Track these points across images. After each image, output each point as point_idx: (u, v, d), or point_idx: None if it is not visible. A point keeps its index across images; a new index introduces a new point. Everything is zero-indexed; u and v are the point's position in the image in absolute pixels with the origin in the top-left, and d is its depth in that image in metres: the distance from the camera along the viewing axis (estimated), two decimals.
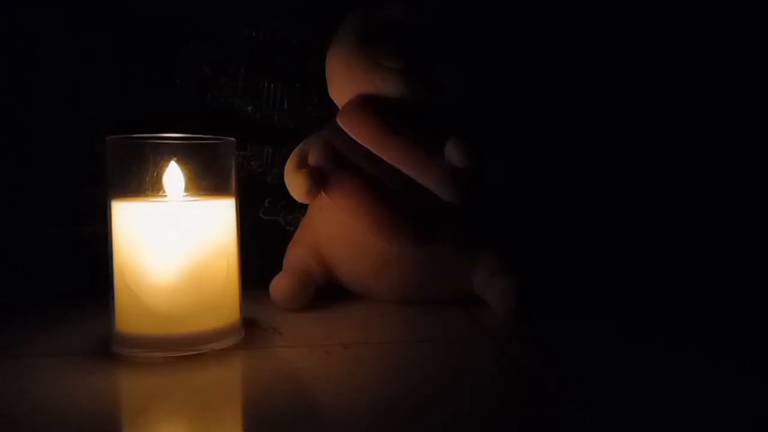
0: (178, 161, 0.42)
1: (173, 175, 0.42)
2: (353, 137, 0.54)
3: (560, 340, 0.46)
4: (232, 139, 0.44)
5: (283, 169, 0.56)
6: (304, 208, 0.62)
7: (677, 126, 0.72)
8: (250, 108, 0.67)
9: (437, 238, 0.52)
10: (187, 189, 0.42)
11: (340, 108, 0.57)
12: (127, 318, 0.41)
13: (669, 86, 0.71)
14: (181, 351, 0.40)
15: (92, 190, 0.64)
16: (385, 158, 0.53)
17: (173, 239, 0.40)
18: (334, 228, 0.55)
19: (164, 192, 0.42)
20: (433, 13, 0.57)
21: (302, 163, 0.55)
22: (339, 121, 0.55)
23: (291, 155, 0.57)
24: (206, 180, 0.43)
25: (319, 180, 0.54)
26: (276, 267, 0.56)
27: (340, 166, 0.54)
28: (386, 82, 0.54)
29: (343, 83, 0.57)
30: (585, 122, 0.71)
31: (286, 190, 0.56)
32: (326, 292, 0.57)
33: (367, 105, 0.54)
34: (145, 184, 0.41)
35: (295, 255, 0.57)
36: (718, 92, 0.72)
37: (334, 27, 0.59)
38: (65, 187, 0.64)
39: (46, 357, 0.40)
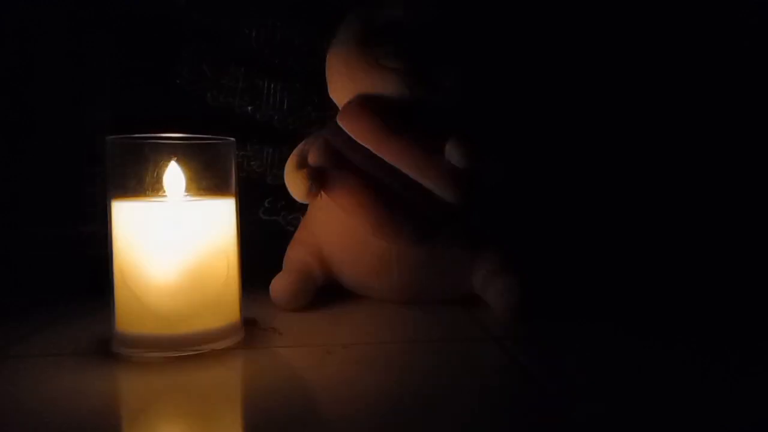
0: (178, 161, 0.42)
1: (173, 175, 0.42)
2: (353, 137, 0.54)
3: (560, 340, 0.46)
4: (232, 139, 0.44)
5: (283, 169, 0.57)
6: (304, 208, 0.62)
7: (677, 126, 0.72)
8: (250, 108, 0.67)
9: (438, 238, 0.52)
10: (187, 189, 0.42)
11: (340, 108, 0.57)
12: (127, 318, 0.41)
13: (669, 86, 0.71)
14: (181, 351, 0.40)
15: (92, 190, 0.64)
16: (385, 158, 0.52)
17: (173, 239, 0.40)
18: (335, 228, 0.55)
19: (164, 192, 0.42)
20: (433, 13, 0.57)
21: (302, 163, 0.55)
22: (339, 121, 0.55)
23: (291, 155, 0.57)
24: (206, 180, 0.43)
25: (319, 180, 0.53)
26: (276, 267, 0.56)
27: (340, 166, 0.54)
28: (386, 82, 0.54)
29: (343, 83, 0.57)
30: (585, 122, 0.71)
31: (286, 190, 0.56)
32: (326, 292, 0.57)
33: (367, 105, 0.54)
34: (145, 184, 0.41)
35: (295, 255, 0.57)
36: (717, 92, 0.72)
37: (334, 27, 0.59)
38: (65, 187, 0.64)
39: (46, 357, 0.40)
